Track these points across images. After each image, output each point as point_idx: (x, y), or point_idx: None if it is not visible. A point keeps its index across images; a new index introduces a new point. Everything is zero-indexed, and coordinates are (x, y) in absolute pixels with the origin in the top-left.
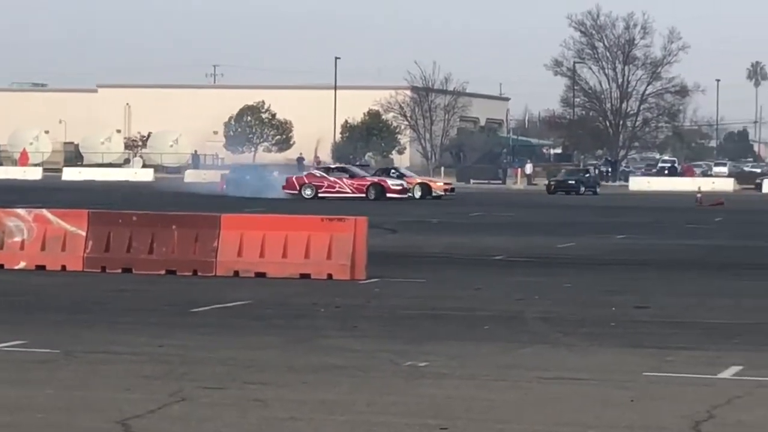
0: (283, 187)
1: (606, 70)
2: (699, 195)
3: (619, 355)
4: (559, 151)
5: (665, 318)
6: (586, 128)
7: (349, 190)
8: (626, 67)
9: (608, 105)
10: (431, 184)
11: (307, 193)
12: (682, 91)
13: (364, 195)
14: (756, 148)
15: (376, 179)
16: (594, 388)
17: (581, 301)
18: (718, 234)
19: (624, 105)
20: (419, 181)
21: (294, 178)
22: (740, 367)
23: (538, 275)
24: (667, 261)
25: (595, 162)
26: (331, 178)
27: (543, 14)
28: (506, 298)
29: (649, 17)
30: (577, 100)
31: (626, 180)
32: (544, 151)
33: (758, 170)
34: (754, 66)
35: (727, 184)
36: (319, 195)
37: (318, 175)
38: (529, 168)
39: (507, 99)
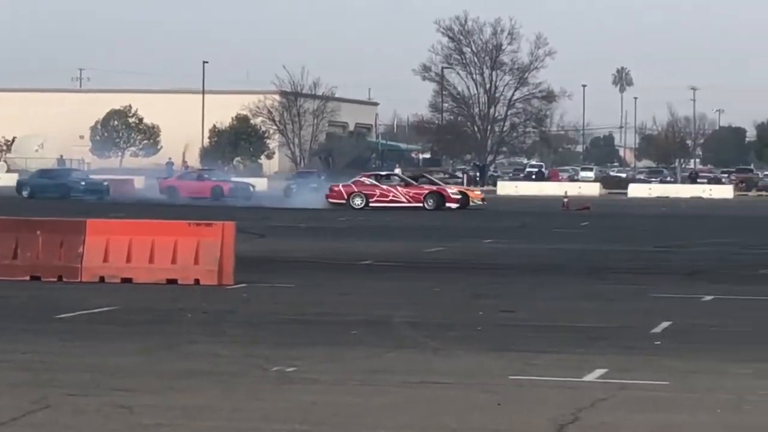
0: (328, 197)
1: (474, 76)
2: (566, 200)
3: (485, 359)
4: (427, 155)
5: (531, 322)
6: (455, 133)
7: (404, 200)
8: (494, 73)
9: (476, 110)
10: (469, 193)
11: (357, 202)
12: (549, 97)
13: (420, 204)
14: (621, 153)
15: (434, 188)
16: (460, 391)
17: (449, 305)
18: (584, 238)
19: (492, 110)
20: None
21: (341, 187)
22: (604, 370)
23: (406, 280)
24: (533, 265)
25: (463, 167)
26: (384, 187)
27: (411, 19)
28: (374, 302)
29: (516, 23)
30: (446, 105)
31: (494, 184)
32: (413, 155)
33: (624, 175)
34: (620, 72)
35: (594, 189)
36: (371, 204)
37: (368, 183)
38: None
39: (376, 104)
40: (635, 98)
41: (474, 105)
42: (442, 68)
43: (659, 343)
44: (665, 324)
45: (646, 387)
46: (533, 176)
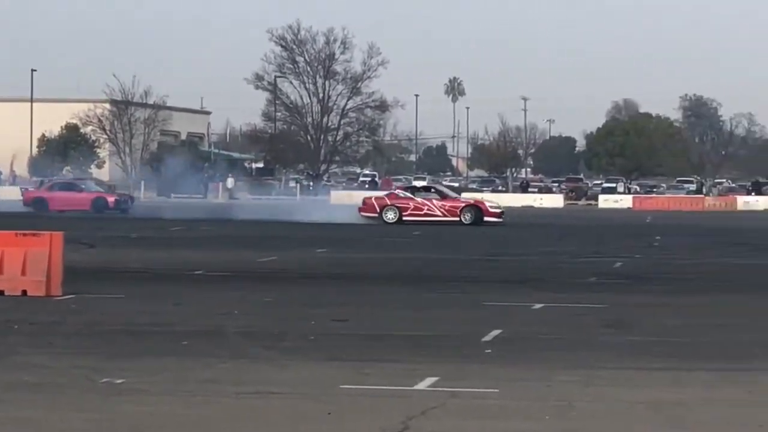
0: (360, 210)
1: (307, 85)
2: None
3: (317, 369)
4: (261, 165)
5: (363, 331)
6: (288, 142)
7: (439, 213)
8: (327, 82)
9: (309, 119)
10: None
11: (390, 216)
12: (382, 106)
13: (457, 219)
14: (454, 163)
15: (472, 201)
16: (292, 401)
17: (281, 315)
18: (417, 247)
19: (325, 119)
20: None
21: (374, 200)
22: (435, 378)
23: (239, 289)
24: (366, 274)
25: (296, 176)
26: (418, 200)
27: (244, 28)
28: (206, 313)
29: (349, 33)
30: (279, 114)
31: (328, 193)
32: (246, 165)
33: (456, 184)
34: (452, 82)
35: None
36: (404, 218)
37: (402, 195)
38: (231, 182)
39: (208, 113)
40: (467, 108)
41: (307, 114)
42: (275, 77)
43: (490, 351)
44: (496, 332)
45: (477, 395)
46: (366, 185)
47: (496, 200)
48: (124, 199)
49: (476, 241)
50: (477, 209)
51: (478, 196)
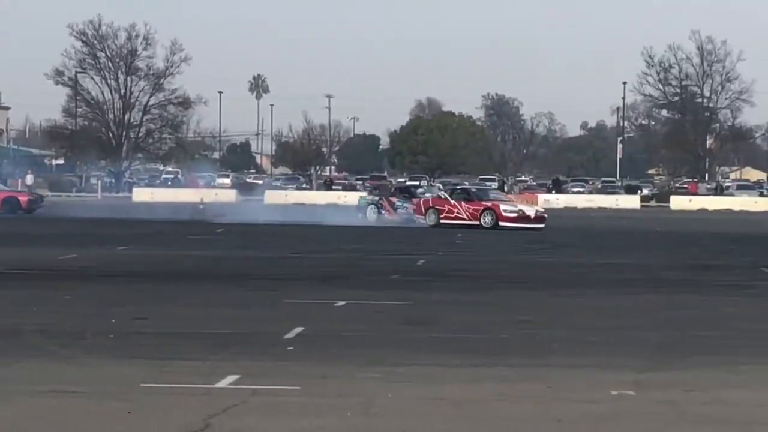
0: (414, 212)
1: (109, 81)
2: (202, 206)
3: (117, 367)
4: (62, 161)
5: (165, 329)
6: (89, 139)
7: (465, 216)
8: (129, 78)
9: (111, 115)
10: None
11: (431, 218)
12: (185, 103)
13: (478, 222)
14: (258, 160)
15: (489, 203)
16: (91, 400)
17: (81, 313)
18: (221, 245)
19: (127, 116)
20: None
21: (421, 201)
22: (237, 376)
23: (38, 288)
24: (168, 272)
25: (98, 173)
26: (452, 202)
27: (44, 22)
28: (2, 311)
29: (151, 29)
30: (80, 110)
31: (130, 191)
32: (47, 161)
33: (260, 181)
34: (256, 79)
35: (230, 195)
36: (441, 221)
37: (443, 197)
38: (30, 179)
39: (7, 108)
40: (272, 105)
41: (109, 110)
42: (76, 73)
43: (292, 348)
44: (298, 329)
45: (278, 392)
46: (169, 183)
47: (535, 203)
48: (37, 198)
49: (283, 239)
50: (493, 212)
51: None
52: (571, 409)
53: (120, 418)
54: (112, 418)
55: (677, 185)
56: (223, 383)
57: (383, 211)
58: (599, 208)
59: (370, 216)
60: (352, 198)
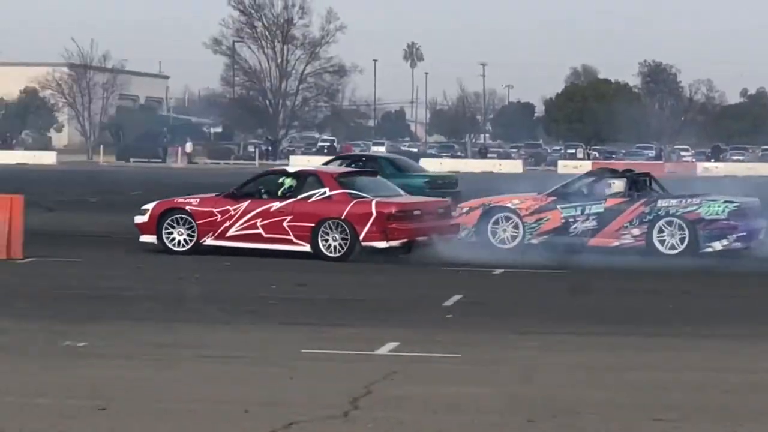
0: None
1: (265, 50)
2: None
3: (278, 333)
4: (219, 130)
5: (324, 295)
6: (246, 107)
7: None
8: (285, 47)
9: (268, 84)
10: None
11: None
12: (341, 71)
13: None
14: (413, 128)
15: None
16: (253, 365)
17: (242, 279)
18: None
19: (283, 84)
20: None
21: None
22: (396, 344)
23: (198, 251)
24: None
25: (255, 141)
26: None
27: None
28: (167, 277)
29: None
30: (237, 79)
31: (287, 158)
32: (205, 129)
33: (415, 149)
34: (410, 47)
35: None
36: None
37: None
38: (189, 147)
39: (167, 77)
40: (426, 73)
41: (266, 79)
42: (234, 42)
43: (450, 316)
44: (457, 297)
45: (437, 360)
46: (325, 150)
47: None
48: None
49: None
50: None
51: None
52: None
53: (283, 382)
54: (275, 383)
55: None
56: (383, 350)
57: None
58: (760, 176)
59: None
60: (507, 166)
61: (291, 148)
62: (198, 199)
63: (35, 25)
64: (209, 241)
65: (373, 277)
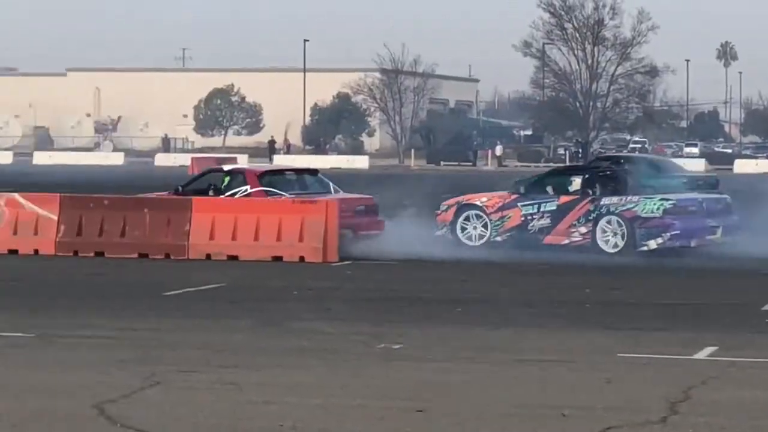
0: None
1: (575, 51)
2: None
3: (593, 337)
4: (529, 132)
5: (639, 299)
6: (556, 109)
7: None
8: (596, 48)
9: (578, 86)
10: None
11: None
12: (652, 72)
13: None
14: (726, 129)
15: None
16: (569, 369)
17: (555, 283)
18: None
19: (594, 86)
20: None
21: None
22: (714, 348)
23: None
24: None
25: (565, 143)
26: None
27: None
28: (477, 281)
29: None
30: (547, 81)
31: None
32: (514, 132)
33: (729, 150)
34: (724, 46)
35: (699, 165)
36: None
37: None
38: (499, 149)
39: (476, 80)
40: (740, 73)
41: (576, 81)
42: (544, 44)
43: None
44: None
45: (757, 365)
46: (636, 152)
47: None
48: None
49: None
50: None
51: None
52: None
53: (599, 386)
54: (592, 387)
55: None
56: (700, 354)
57: None
58: None
59: None
60: None
61: (602, 150)
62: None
63: (348, 32)
64: None
65: (689, 281)
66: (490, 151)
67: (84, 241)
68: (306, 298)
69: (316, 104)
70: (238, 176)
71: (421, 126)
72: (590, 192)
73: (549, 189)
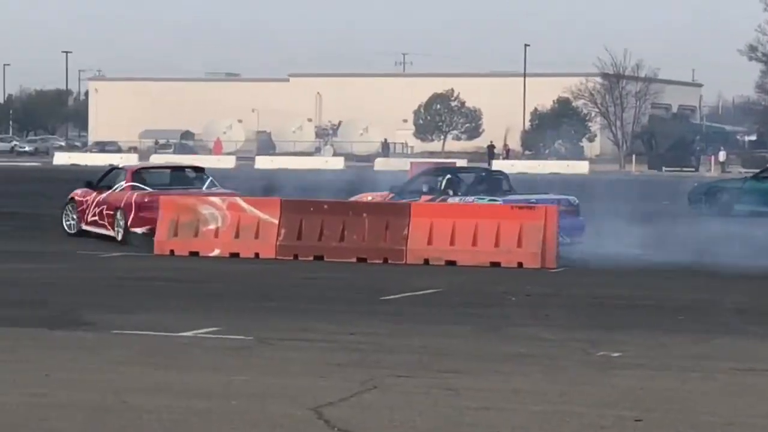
0: None
1: None
2: None
3: None
4: (753, 138)
5: None
6: None
7: None
8: None
9: None
10: None
11: None
12: None
13: None
14: None
15: None
16: None
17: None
18: None
19: None
20: None
21: None
22: None
23: None
24: None
25: None
26: None
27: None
28: (699, 288)
29: None
30: None
31: None
32: (738, 138)
33: None
34: None
35: None
36: None
37: None
38: (722, 155)
39: (700, 85)
40: None
41: None
42: None
43: None
44: None
45: None
46: None
47: None
48: None
49: None
50: None
51: None
52: None
53: None
54: None
55: None
56: None
57: None
58: None
59: None
60: None
61: None
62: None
63: (569, 37)
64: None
65: None
66: (713, 157)
67: (304, 245)
68: (524, 304)
69: (535, 109)
70: (122, 173)
71: (643, 131)
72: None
73: None
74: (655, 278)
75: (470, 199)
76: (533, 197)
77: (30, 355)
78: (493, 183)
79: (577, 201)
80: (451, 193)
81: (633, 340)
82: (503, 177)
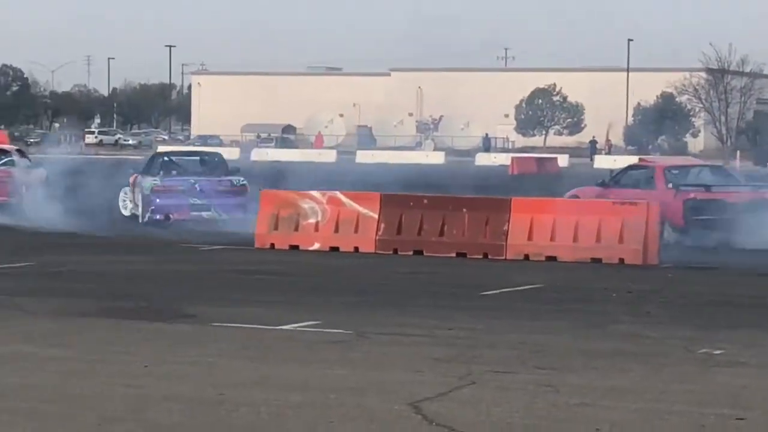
0: None
1: None
2: None
3: None
4: None
5: None
6: None
7: None
8: None
9: None
10: None
11: None
12: None
13: None
14: None
15: None
16: None
17: None
18: None
19: None
20: None
21: None
22: None
23: None
24: None
25: None
26: None
27: None
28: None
29: None
30: None
31: None
32: None
33: None
34: None
35: None
36: None
37: None
38: None
39: None
40: None
41: None
42: None
43: None
44: None
45: None
46: None
47: None
48: None
49: None
50: None
51: None
52: None
53: None
54: None
55: None
56: None
57: None
58: None
59: None
60: None
61: None
62: None
63: (673, 32)
64: None
65: None
66: None
67: (403, 240)
68: (625, 301)
69: (638, 104)
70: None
71: (748, 127)
72: None
73: None
74: (760, 277)
75: None
76: (178, 178)
77: (130, 347)
78: None
79: (242, 181)
80: None
81: (735, 338)
82: None
